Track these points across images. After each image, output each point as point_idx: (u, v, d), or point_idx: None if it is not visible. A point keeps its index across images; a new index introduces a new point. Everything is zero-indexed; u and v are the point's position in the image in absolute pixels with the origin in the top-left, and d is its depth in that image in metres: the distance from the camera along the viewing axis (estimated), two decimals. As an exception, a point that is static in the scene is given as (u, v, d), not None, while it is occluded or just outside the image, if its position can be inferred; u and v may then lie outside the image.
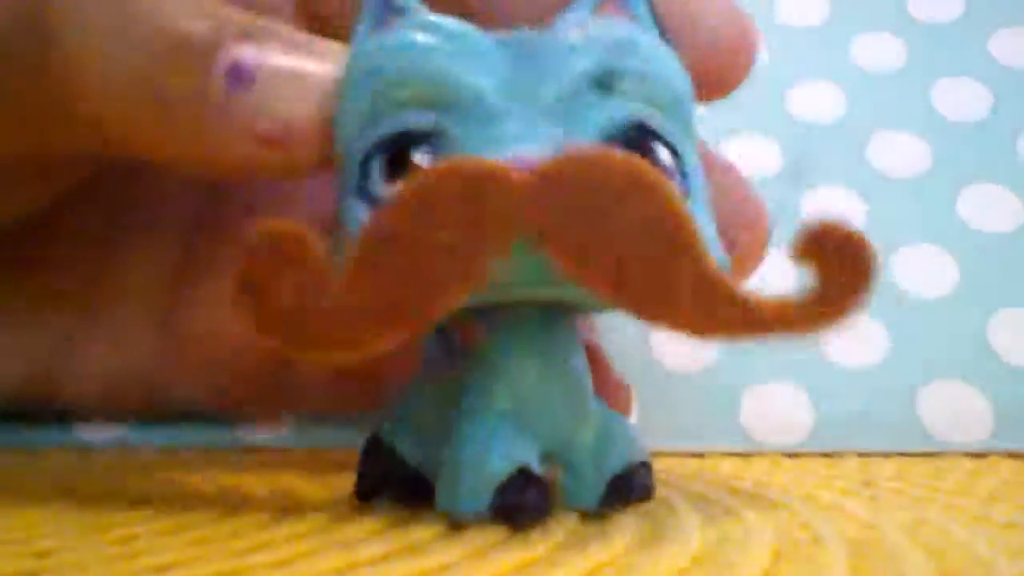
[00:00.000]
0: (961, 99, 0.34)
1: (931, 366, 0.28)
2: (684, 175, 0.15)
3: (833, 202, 0.32)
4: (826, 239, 0.13)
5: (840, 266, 0.12)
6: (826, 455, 0.26)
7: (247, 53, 0.15)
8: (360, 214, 0.14)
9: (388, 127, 0.14)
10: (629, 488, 0.15)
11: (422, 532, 0.14)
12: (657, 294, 0.12)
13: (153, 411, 0.27)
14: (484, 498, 0.14)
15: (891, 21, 0.37)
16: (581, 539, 0.14)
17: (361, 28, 0.16)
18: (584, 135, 0.14)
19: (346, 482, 0.18)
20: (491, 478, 0.14)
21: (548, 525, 0.14)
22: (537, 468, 0.15)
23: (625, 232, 0.12)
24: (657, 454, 0.27)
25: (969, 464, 0.24)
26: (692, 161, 0.15)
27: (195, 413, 0.29)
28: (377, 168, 0.14)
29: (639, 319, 0.13)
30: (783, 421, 0.27)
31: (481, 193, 0.12)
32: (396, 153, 0.14)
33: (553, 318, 0.16)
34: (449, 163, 0.13)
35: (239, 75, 0.15)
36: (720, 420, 0.27)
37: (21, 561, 0.12)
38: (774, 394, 0.28)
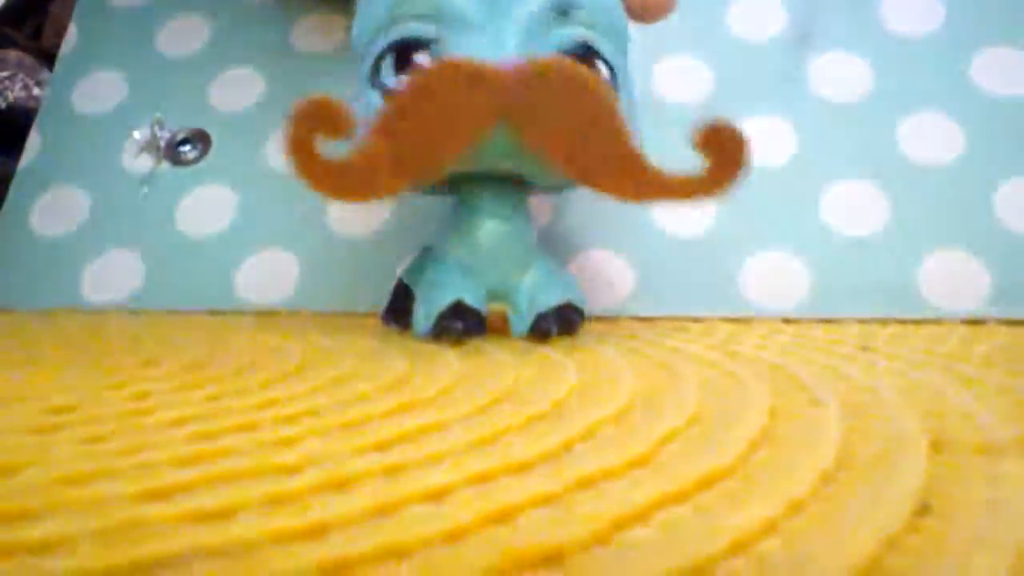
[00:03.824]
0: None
1: (931, 234, 0.28)
2: (616, 87, 0.19)
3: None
4: (713, 134, 0.18)
5: (721, 154, 0.18)
6: (825, 321, 0.27)
7: None
8: (374, 100, 0.19)
9: (397, 34, 0.19)
10: (551, 322, 0.20)
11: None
12: (595, 166, 0.18)
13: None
14: (431, 322, 0.20)
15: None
16: (584, 397, 0.14)
17: None
18: (545, 48, 0.18)
19: (347, 343, 0.19)
20: (435, 308, 0.20)
21: (550, 386, 0.15)
22: (479, 303, 0.20)
23: (575, 120, 0.17)
24: (657, 319, 0.27)
25: (965, 330, 0.24)
26: (623, 76, 0.20)
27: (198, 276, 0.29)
28: (388, 65, 0.19)
29: (583, 185, 0.18)
30: (781, 288, 0.27)
31: (473, 81, 0.17)
32: (402, 54, 0.19)
33: (509, 192, 0.20)
34: (450, 59, 0.17)
35: None
36: (719, 286, 0.28)
37: (41, 417, 0.12)
38: (772, 261, 0.28)
